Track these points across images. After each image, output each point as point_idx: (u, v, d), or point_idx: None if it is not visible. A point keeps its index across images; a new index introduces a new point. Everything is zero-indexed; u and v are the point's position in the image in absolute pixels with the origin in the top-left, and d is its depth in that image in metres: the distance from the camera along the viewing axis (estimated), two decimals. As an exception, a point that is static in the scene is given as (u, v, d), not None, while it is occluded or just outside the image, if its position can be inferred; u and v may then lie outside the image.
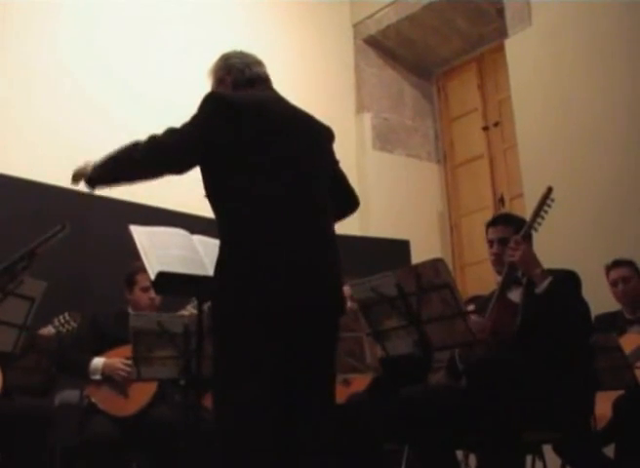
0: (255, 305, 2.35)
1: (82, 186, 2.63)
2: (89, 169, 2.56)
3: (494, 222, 3.49)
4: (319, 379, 2.50)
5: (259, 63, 2.73)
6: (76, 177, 2.63)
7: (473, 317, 3.16)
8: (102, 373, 3.83)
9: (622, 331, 3.99)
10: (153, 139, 2.45)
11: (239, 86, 2.67)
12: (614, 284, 4.23)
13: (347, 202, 2.78)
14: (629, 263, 4.24)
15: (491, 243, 3.44)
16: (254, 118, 2.49)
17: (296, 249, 2.41)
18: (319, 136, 2.68)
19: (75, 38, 5.53)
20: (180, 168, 2.49)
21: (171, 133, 2.46)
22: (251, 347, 2.35)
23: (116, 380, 3.81)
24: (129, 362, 3.67)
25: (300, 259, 2.41)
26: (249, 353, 2.35)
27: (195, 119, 2.48)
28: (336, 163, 2.75)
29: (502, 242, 3.35)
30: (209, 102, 2.49)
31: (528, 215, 3.35)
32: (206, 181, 2.53)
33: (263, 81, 2.70)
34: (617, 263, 4.25)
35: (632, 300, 4.19)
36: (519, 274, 3.31)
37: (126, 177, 2.55)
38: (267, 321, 2.35)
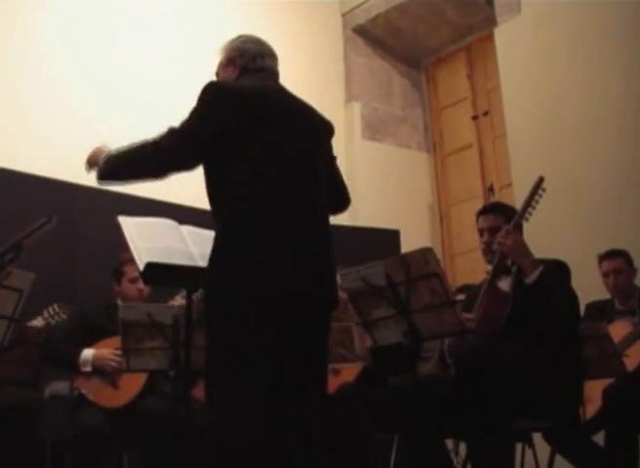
0: (249, 295, 2.34)
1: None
2: (101, 160, 2.53)
3: (484, 211, 3.49)
4: (312, 370, 2.50)
5: (272, 56, 2.71)
6: (90, 163, 2.61)
7: (466, 315, 3.16)
8: (93, 365, 3.82)
9: (611, 320, 4.00)
10: (157, 142, 2.43)
11: (246, 72, 2.65)
12: (605, 275, 4.22)
13: (338, 199, 2.76)
14: (622, 254, 4.22)
15: (481, 232, 3.44)
16: (253, 108, 2.47)
17: (292, 240, 2.41)
18: (319, 129, 2.67)
19: (59, 35, 5.47)
20: (188, 166, 2.49)
21: (173, 133, 2.43)
22: (244, 337, 2.35)
23: (106, 372, 3.80)
24: (118, 352, 3.67)
25: (295, 250, 2.41)
26: (242, 343, 2.35)
27: (195, 113, 2.46)
28: (333, 159, 2.74)
29: (493, 231, 3.35)
30: (208, 92, 2.47)
31: (517, 205, 3.35)
32: (205, 170, 2.53)
33: (271, 74, 2.68)
34: (609, 255, 4.23)
35: (623, 292, 4.19)
36: (509, 263, 3.31)
37: (135, 178, 2.56)
38: (261, 311, 2.35)
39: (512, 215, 3.34)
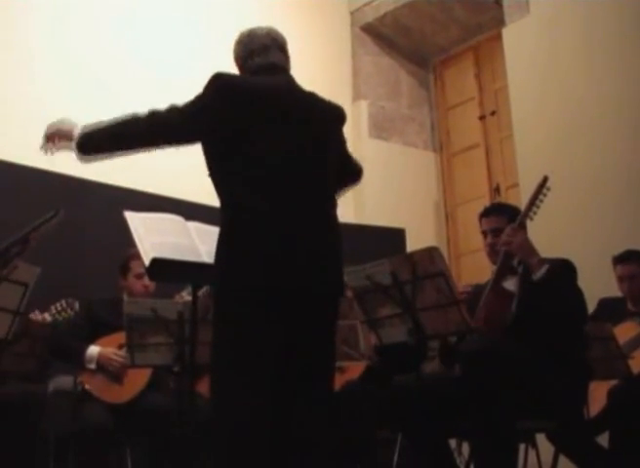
0: (255, 291, 2.35)
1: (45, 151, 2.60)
2: (75, 132, 2.52)
3: (486, 213, 3.48)
4: (318, 367, 2.50)
5: (270, 46, 2.68)
6: (49, 138, 2.58)
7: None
8: (97, 363, 3.82)
9: (621, 320, 3.98)
10: (153, 115, 2.45)
11: (250, 68, 2.66)
12: (620, 279, 4.21)
13: (351, 173, 2.83)
14: (637, 257, 4.19)
15: (484, 234, 3.44)
16: (258, 101, 2.48)
17: (296, 232, 2.41)
18: (327, 119, 2.66)
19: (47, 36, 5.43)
20: (177, 144, 2.52)
21: (172, 110, 2.46)
22: (251, 331, 2.35)
23: (110, 371, 3.80)
24: (122, 352, 3.67)
25: (300, 243, 2.41)
26: (249, 337, 2.35)
27: (198, 99, 2.48)
28: (343, 142, 2.75)
29: (496, 232, 3.35)
30: (213, 83, 2.49)
31: (524, 205, 3.34)
32: (208, 162, 2.54)
33: (275, 65, 2.66)
34: (624, 259, 4.20)
35: (637, 295, 4.18)
36: (514, 263, 3.30)
37: (122, 150, 2.53)
38: (267, 307, 2.35)
39: (514, 215, 3.35)
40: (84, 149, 2.51)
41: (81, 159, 2.54)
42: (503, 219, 3.36)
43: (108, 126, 2.48)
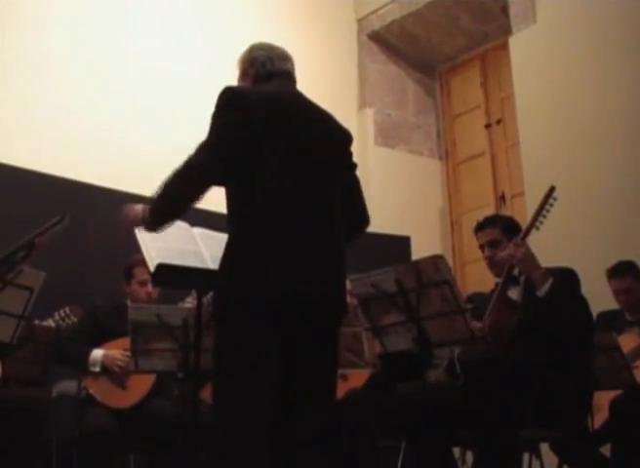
0: (258, 299, 2.35)
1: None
2: (145, 215, 2.52)
3: (480, 227, 3.52)
4: (321, 376, 2.49)
5: (284, 58, 2.70)
6: (133, 224, 2.61)
7: (474, 323, 3.15)
8: (101, 366, 3.82)
9: (621, 332, 3.98)
10: (189, 162, 2.40)
11: (260, 79, 2.65)
12: (616, 293, 4.21)
13: (356, 219, 2.70)
14: (630, 270, 4.20)
15: (482, 247, 3.47)
16: (269, 112, 2.46)
17: (304, 247, 2.41)
18: (335, 137, 2.66)
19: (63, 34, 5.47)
20: (226, 177, 2.45)
21: (202, 149, 2.40)
22: (252, 342, 2.35)
23: (114, 372, 3.81)
24: (128, 353, 3.67)
25: (307, 258, 2.41)
26: (250, 348, 2.35)
27: (214, 122, 2.45)
28: (352, 168, 2.73)
29: (492, 244, 3.39)
30: (224, 97, 2.47)
31: (530, 214, 3.34)
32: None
33: (285, 76, 2.67)
34: (617, 273, 4.21)
35: (634, 306, 4.19)
36: (516, 272, 3.30)
37: (184, 206, 2.49)
38: (270, 316, 2.35)
39: (508, 224, 3.40)
40: (155, 226, 2.55)
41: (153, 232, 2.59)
42: (497, 230, 3.41)
43: (160, 194, 2.45)
